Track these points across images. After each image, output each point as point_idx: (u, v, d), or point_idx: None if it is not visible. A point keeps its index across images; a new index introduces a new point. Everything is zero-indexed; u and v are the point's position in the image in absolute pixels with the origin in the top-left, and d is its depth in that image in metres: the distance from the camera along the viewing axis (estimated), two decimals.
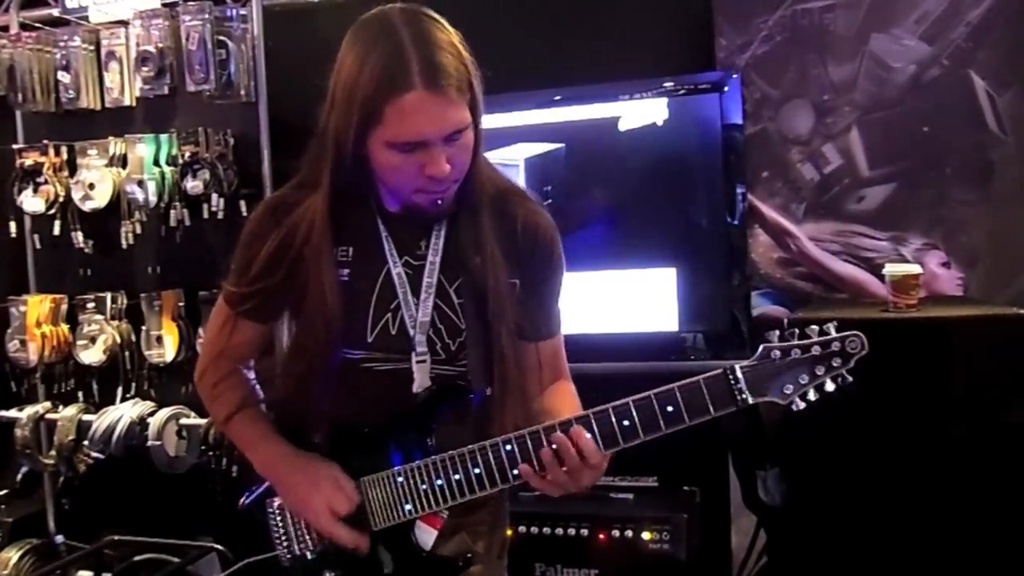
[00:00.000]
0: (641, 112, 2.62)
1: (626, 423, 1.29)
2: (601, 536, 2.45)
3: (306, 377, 1.41)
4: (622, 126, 2.64)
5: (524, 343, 1.46)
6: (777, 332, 1.26)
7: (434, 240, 1.40)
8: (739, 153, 2.60)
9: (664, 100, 2.60)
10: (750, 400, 1.25)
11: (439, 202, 1.33)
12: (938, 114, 2.57)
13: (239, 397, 1.51)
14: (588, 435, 1.29)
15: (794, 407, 1.26)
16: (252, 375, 1.57)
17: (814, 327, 1.25)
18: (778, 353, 1.25)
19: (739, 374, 1.25)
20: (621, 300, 2.65)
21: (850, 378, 1.25)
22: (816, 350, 1.25)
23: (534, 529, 2.49)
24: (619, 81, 2.66)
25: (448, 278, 1.41)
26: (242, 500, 1.55)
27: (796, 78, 2.69)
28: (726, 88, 2.57)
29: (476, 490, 1.36)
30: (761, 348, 1.26)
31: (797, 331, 1.25)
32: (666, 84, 2.61)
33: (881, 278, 2.24)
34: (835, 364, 1.24)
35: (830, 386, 1.25)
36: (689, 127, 2.60)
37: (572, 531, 2.46)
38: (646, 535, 2.43)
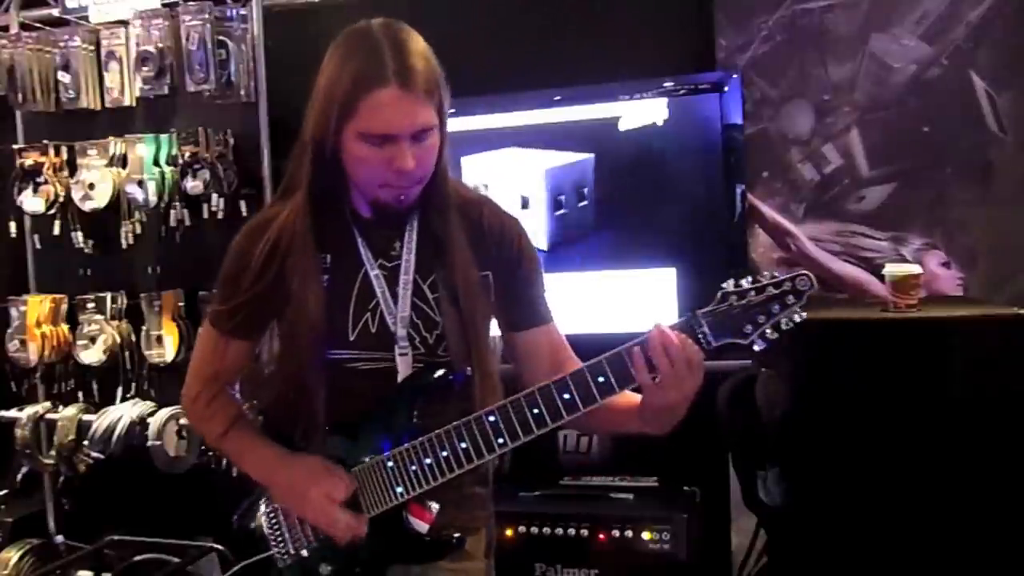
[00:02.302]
0: (641, 112, 2.62)
1: (601, 379, 1.35)
2: (601, 536, 2.45)
3: (294, 382, 1.47)
4: (622, 126, 2.64)
5: (515, 334, 1.54)
6: (732, 280, 1.33)
7: (407, 241, 1.49)
8: (739, 153, 2.60)
9: (664, 100, 2.59)
10: (713, 342, 1.32)
11: (402, 198, 1.41)
12: (938, 114, 2.57)
13: (233, 413, 1.59)
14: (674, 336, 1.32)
15: (755, 347, 1.32)
16: (236, 394, 1.65)
17: (765, 272, 1.33)
18: (735, 297, 1.32)
19: (701, 319, 1.32)
20: (621, 300, 2.64)
21: (804, 314, 1.32)
22: (770, 290, 1.31)
23: (534, 529, 2.49)
24: (619, 81, 2.66)
25: (422, 275, 1.49)
26: (235, 519, 1.60)
27: (796, 78, 2.69)
28: (726, 88, 2.57)
29: (464, 464, 1.41)
30: (719, 293, 1.33)
31: (750, 277, 1.33)
32: (666, 84, 2.61)
33: (881, 278, 2.24)
34: (789, 301, 1.31)
35: (785, 324, 1.31)
36: (689, 127, 2.60)
37: (572, 531, 2.46)
38: (646, 535, 2.43)
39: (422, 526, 1.45)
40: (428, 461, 1.41)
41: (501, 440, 1.38)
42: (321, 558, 1.49)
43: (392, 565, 1.48)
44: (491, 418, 1.38)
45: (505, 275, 1.52)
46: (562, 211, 2.67)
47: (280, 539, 1.52)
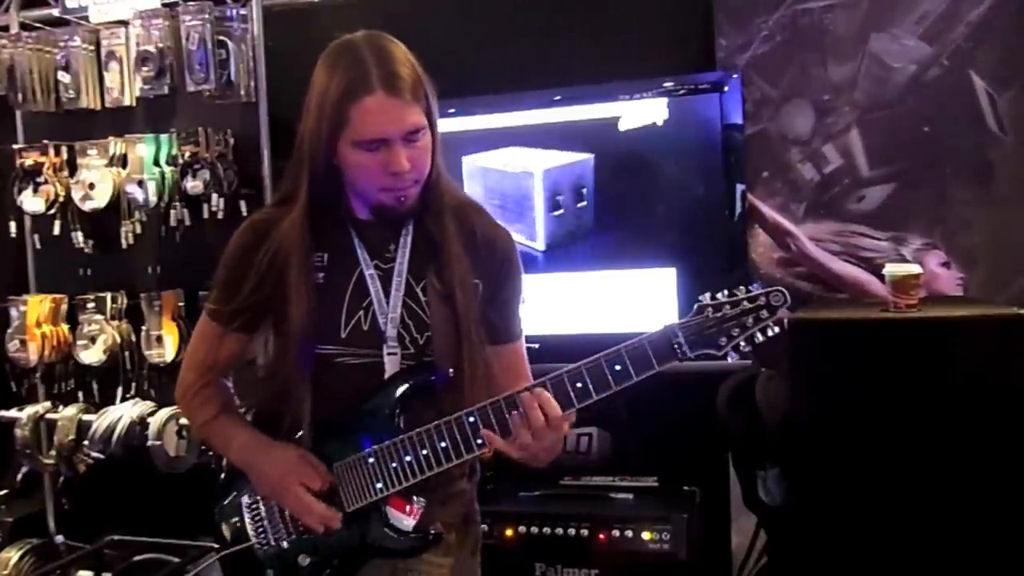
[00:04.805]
0: (641, 112, 2.62)
1: (579, 385, 1.39)
2: (601, 536, 2.45)
3: (285, 375, 1.50)
4: (622, 126, 2.64)
5: (488, 346, 1.54)
6: (708, 294, 1.37)
7: (402, 243, 1.53)
8: (739, 153, 2.60)
9: (664, 100, 2.60)
10: (689, 353, 1.36)
11: (402, 199, 1.45)
12: (938, 114, 2.57)
13: (222, 401, 1.63)
14: (549, 394, 1.38)
15: (729, 358, 1.37)
16: (230, 384, 1.68)
17: (741, 287, 1.37)
18: (711, 309, 1.36)
19: (678, 331, 1.36)
20: (621, 300, 2.64)
21: (776, 328, 1.36)
22: (745, 305, 1.36)
23: (534, 529, 2.49)
24: (619, 81, 2.66)
25: (415, 277, 1.52)
26: (215, 510, 1.63)
27: (796, 78, 2.69)
28: (726, 88, 2.57)
29: (443, 462, 1.44)
30: (696, 307, 1.38)
31: (727, 292, 1.37)
32: (666, 84, 2.61)
33: (881, 278, 2.24)
34: (763, 316, 1.35)
35: (760, 337, 1.36)
36: (689, 127, 2.60)
37: (572, 531, 2.46)
38: (646, 535, 2.43)
39: (406, 521, 1.49)
40: (408, 459, 1.45)
41: (480, 440, 1.41)
42: (301, 549, 1.53)
43: (371, 558, 1.52)
44: (470, 418, 1.42)
45: (492, 286, 1.55)
46: (559, 212, 2.68)
47: (261, 530, 1.56)
